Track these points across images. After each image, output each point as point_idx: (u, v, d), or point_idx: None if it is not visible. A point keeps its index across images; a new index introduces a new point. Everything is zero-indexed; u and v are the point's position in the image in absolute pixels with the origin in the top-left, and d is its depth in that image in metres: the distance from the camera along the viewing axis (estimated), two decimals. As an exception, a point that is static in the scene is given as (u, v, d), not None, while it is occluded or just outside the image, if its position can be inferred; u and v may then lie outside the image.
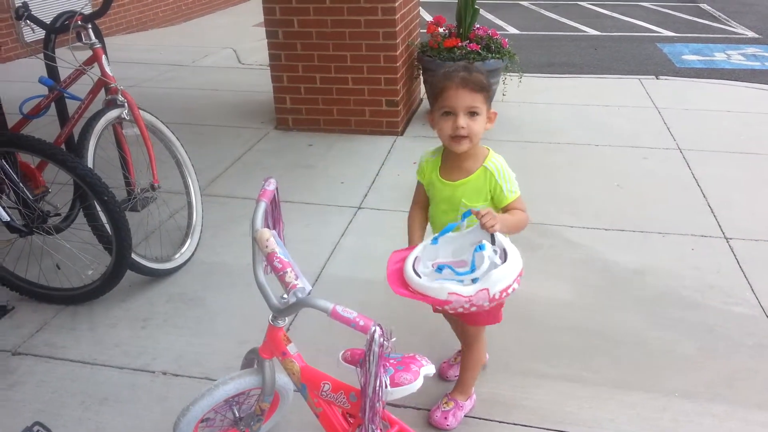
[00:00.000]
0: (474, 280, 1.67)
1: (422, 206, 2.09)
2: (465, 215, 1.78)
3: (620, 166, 4.31)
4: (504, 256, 1.70)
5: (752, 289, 2.94)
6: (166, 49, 8.00)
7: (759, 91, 5.99)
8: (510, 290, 1.67)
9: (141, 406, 2.31)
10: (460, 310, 1.67)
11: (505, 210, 1.93)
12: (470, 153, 1.90)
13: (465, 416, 2.23)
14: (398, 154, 4.60)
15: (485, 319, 2.07)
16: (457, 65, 1.88)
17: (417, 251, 1.78)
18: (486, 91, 1.83)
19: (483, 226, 1.73)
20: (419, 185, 2.08)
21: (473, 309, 1.67)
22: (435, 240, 1.81)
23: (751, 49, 8.11)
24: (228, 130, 5.12)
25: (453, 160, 1.93)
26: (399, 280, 1.73)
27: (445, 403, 2.22)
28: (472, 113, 1.82)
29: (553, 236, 3.43)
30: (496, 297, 1.64)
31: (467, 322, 2.12)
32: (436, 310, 2.21)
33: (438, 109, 1.86)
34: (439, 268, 1.74)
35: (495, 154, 1.95)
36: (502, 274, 1.65)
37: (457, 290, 1.64)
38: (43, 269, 2.96)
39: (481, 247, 1.69)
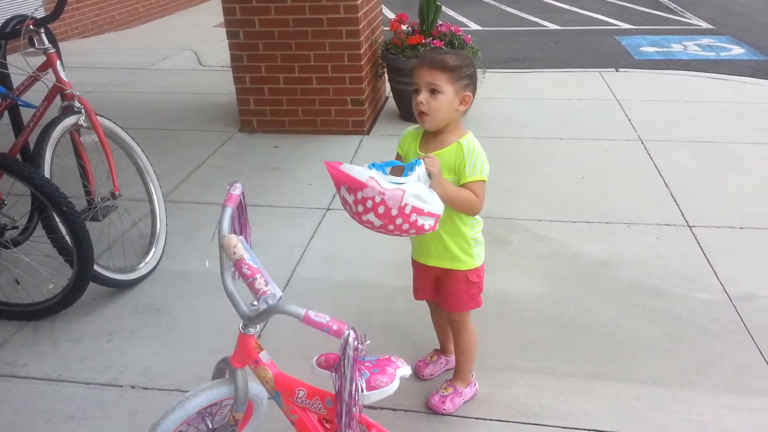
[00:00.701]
0: None
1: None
2: (412, 163, 1.78)
3: (584, 159, 4.36)
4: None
5: (716, 275, 3.01)
6: (124, 52, 7.82)
7: (715, 80, 6.14)
8: (422, 221, 1.70)
9: (110, 423, 2.24)
10: (369, 205, 1.66)
11: (468, 188, 1.92)
12: (448, 129, 1.94)
13: (442, 414, 2.22)
14: (365, 153, 4.57)
15: (466, 303, 2.11)
16: (442, 49, 1.98)
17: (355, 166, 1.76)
18: (450, 71, 1.86)
19: (425, 163, 1.76)
20: (396, 157, 2.09)
21: (380, 209, 1.66)
22: (373, 165, 1.76)
23: (706, 40, 8.31)
24: (190, 134, 5.02)
25: (432, 135, 1.97)
26: (332, 165, 1.71)
27: (444, 388, 2.25)
28: (433, 90, 1.87)
29: (521, 231, 3.45)
30: (407, 210, 1.66)
31: (447, 308, 2.16)
32: (417, 297, 2.26)
33: (411, 87, 1.94)
34: (371, 165, 1.72)
35: (473, 138, 1.96)
36: (422, 191, 1.69)
37: (378, 178, 1.64)
38: (1, 284, 2.86)
39: (417, 162, 1.75)
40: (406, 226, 1.71)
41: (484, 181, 1.93)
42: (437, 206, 1.74)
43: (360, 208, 1.69)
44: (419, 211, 1.69)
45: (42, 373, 2.49)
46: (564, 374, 2.42)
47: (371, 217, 1.69)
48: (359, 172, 1.65)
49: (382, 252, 3.23)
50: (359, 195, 1.66)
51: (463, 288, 2.08)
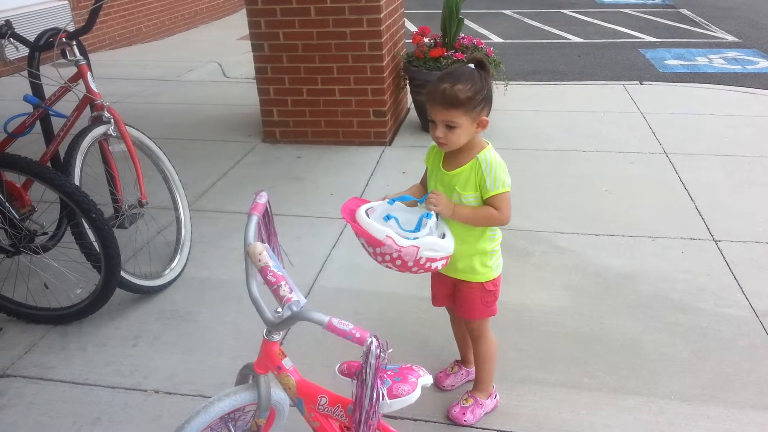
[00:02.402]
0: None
1: (422, 184, 2.16)
2: (422, 217, 1.92)
3: (608, 172, 4.34)
4: (443, 237, 1.92)
5: (742, 290, 2.96)
6: (151, 64, 7.97)
7: (741, 94, 6.07)
8: (435, 265, 1.89)
9: (134, 426, 2.28)
10: (387, 258, 1.83)
11: (486, 202, 1.96)
12: (468, 146, 1.95)
13: (463, 426, 2.21)
14: (387, 164, 4.60)
15: (481, 311, 2.12)
16: (446, 73, 1.92)
17: (374, 203, 1.94)
18: (464, 105, 1.85)
19: (427, 202, 1.92)
20: (426, 169, 2.14)
21: (398, 262, 1.83)
22: (392, 201, 1.96)
23: (731, 53, 8.23)
24: (215, 144, 5.10)
25: (453, 152, 1.98)
26: (349, 215, 1.90)
27: (465, 399, 2.25)
28: (449, 126, 1.88)
29: (544, 243, 3.43)
30: (421, 261, 1.84)
31: (464, 316, 2.17)
32: (435, 303, 2.29)
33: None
34: (387, 217, 1.89)
35: (491, 150, 1.97)
36: (435, 243, 1.86)
37: (394, 237, 1.80)
38: (31, 289, 2.92)
39: (428, 216, 1.90)
40: (421, 271, 1.91)
41: (507, 191, 1.94)
42: (449, 250, 1.91)
43: (379, 259, 1.87)
44: (432, 260, 1.87)
45: (69, 377, 2.53)
46: (586, 388, 2.40)
47: (390, 265, 1.87)
48: (377, 230, 1.81)
49: (404, 262, 3.24)
50: (378, 250, 1.82)
51: (479, 297, 2.09)
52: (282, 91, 4.93)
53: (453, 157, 1.99)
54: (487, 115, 1.92)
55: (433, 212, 1.90)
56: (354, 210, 1.91)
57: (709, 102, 5.79)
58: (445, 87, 1.85)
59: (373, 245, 1.82)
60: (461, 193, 1.95)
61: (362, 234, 1.82)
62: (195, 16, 11.19)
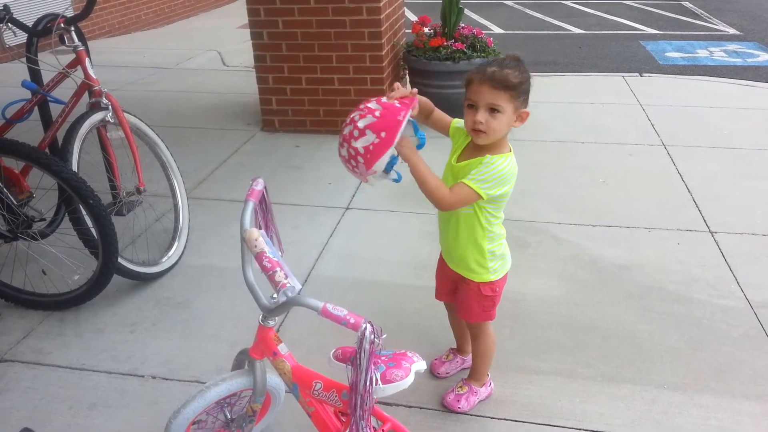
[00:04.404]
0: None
1: (435, 110, 2.02)
2: (421, 141, 1.81)
3: (606, 163, 4.34)
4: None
5: (737, 282, 2.98)
6: (150, 51, 7.95)
7: (741, 87, 6.07)
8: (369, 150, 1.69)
9: (131, 411, 2.29)
10: (353, 153, 1.69)
11: (453, 185, 1.85)
12: (492, 146, 1.86)
13: (456, 413, 2.23)
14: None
15: (477, 315, 2.11)
16: (490, 61, 1.84)
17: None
18: (512, 89, 1.76)
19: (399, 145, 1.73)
20: (449, 122, 2.02)
21: (354, 161, 1.71)
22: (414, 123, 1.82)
23: (732, 46, 8.21)
24: (214, 132, 5.09)
25: (474, 145, 1.89)
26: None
27: (460, 387, 2.27)
28: (493, 110, 1.78)
29: (541, 233, 3.44)
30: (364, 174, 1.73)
31: (462, 316, 2.18)
32: (437, 297, 2.28)
33: (465, 99, 1.84)
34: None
35: (509, 158, 1.86)
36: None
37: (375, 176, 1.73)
38: (29, 275, 2.93)
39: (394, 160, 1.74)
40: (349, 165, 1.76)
41: (476, 193, 1.80)
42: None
43: (349, 150, 1.70)
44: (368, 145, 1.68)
45: (66, 362, 2.55)
46: (580, 377, 2.42)
47: (347, 154, 1.72)
48: (383, 161, 1.68)
49: (400, 251, 3.25)
50: (361, 153, 1.68)
51: (475, 300, 2.06)
52: (281, 80, 4.92)
53: (472, 150, 1.89)
54: (527, 109, 1.84)
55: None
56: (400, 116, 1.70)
57: (708, 94, 5.79)
58: (494, 70, 1.78)
59: (363, 158, 1.67)
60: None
61: (377, 152, 1.66)
62: (195, 4, 11.14)
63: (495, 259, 2.02)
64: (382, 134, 1.66)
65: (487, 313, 2.11)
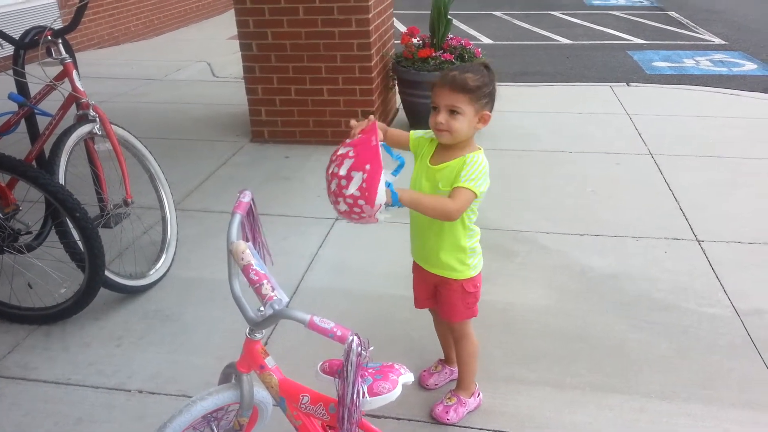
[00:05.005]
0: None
1: (389, 130, 2.08)
2: (397, 170, 1.84)
3: (594, 172, 4.37)
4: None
5: (724, 290, 3.00)
6: (139, 63, 7.94)
7: (726, 96, 6.13)
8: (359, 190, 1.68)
9: (117, 426, 2.27)
10: (350, 203, 1.69)
11: (450, 192, 1.90)
12: (461, 145, 1.95)
13: (445, 425, 2.22)
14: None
15: (462, 313, 2.13)
16: (455, 66, 1.93)
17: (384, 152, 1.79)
18: (471, 92, 1.87)
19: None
20: (407, 136, 2.07)
21: (356, 210, 1.70)
22: (388, 149, 1.87)
23: (718, 56, 8.30)
24: (203, 143, 5.09)
25: (445, 147, 1.98)
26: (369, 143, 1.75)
27: (448, 398, 2.27)
28: (453, 111, 1.88)
29: (529, 243, 3.46)
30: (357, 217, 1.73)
31: (446, 318, 2.19)
32: (417, 305, 2.29)
33: (431, 102, 1.94)
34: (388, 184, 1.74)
35: (482, 155, 1.95)
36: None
37: (382, 211, 1.70)
38: (15, 289, 2.90)
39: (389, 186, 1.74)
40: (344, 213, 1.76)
41: (473, 192, 1.87)
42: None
43: (340, 198, 1.71)
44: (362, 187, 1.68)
45: (52, 377, 2.52)
46: (569, 386, 2.42)
47: (341, 205, 1.72)
48: (380, 193, 1.67)
49: (389, 262, 3.25)
50: (353, 196, 1.68)
51: (459, 298, 2.09)
52: (270, 91, 4.93)
53: (443, 153, 1.98)
54: (490, 112, 1.94)
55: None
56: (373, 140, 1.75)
57: (694, 104, 5.84)
58: (455, 74, 1.89)
59: (364, 199, 1.67)
60: (443, 191, 1.94)
61: (372, 185, 1.66)
62: (184, 15, 11.15)
63: (475, 255, 2.09)
64: (367, 167, 1.68)
65: (471, 310, 2.14)
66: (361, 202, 1.68)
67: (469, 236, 2.04)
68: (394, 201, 1.73)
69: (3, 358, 2.64)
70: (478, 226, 2.08)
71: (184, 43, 9.53)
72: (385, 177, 1.70)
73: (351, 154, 1.71)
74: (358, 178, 1.67)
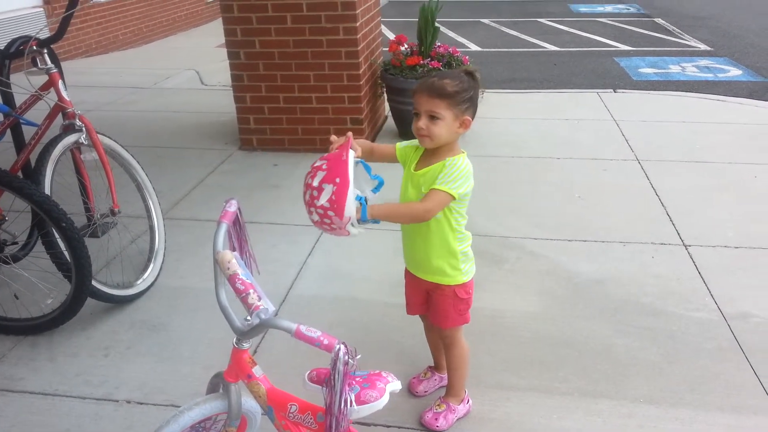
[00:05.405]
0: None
1: (377, 146, 2.13)
2: (377, 189, 1.91)
3: (581, 178, 4.39)
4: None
5: (711, 294, 3.02)
6: (127, 72, 7.91)
7: (712, 101, 6.20)
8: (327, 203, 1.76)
9: (104, 437, 2.25)
10: (321, 214, 1.78)
11: (425, 195, 1.93)
12: (445, 149, 1.97)
13: (434, 431, 2.22)
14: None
15: (454, 319, 2.13)
16: (442, 72, 1.96)
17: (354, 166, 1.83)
18: (449, 97, 1.89)
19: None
20: (393, 149, 2.11)
21: (326, 221, 1.79)
22: (366, 167, 1.92)
23: (704, 62, 8.39)
24: (191, 152, 5.07)
25: (430, 152, 2.00)
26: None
27: (438, 405, 2.27)
28: (432, 117, 1.90)
29: (517, 249, 3.47)
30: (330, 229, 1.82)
31: (437, 324, 2.19)
32: (409, 311, 2.29)
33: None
34: (359, 198, 1.81)
35: (465, 158, 1.97)
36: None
37: (353, 224, 1.78)
38: (1, 299, 2.88)
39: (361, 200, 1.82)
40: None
41: (448, 194, 1.88)
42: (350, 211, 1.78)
43: (312, 210, 1.81)
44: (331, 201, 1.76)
45: (39, 388, 2.50)
46: (557, 392, 2.43)
47: (315, 216, 1.82)
48: (349, 205, 1.74)
49: (379, 269, 3.25)
50: (322, 207, 1.76)
51: (452, 304, 2.10)
52: (259, 99, 4.93)
53: (427, 158, 2.00)
54: (471, 117, 1.95)
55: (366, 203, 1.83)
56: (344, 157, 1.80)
57: (680, 109, 5.90)
58: (433, 80, 1.92)
59: (333, 211, 1.75)
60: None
61: (340, 198, 1.73)
62: (173, 24, 11.14)
63: (466, 260, 2.09)
64: (337, 180, 1.75)
65: (463, 316, 2.15)
66: (330, 213, 1.76)
67: (459, 240, 2.04)
68: (363, 216, 1.78)
69: (-12, 370, 2.61)
70: (469, 231, 2.09)
71: (172, 51, 9.52)
72: (357, 192, 1.78)
73: (324, 167, 1.80)
74: (328, 190, 1.75)
